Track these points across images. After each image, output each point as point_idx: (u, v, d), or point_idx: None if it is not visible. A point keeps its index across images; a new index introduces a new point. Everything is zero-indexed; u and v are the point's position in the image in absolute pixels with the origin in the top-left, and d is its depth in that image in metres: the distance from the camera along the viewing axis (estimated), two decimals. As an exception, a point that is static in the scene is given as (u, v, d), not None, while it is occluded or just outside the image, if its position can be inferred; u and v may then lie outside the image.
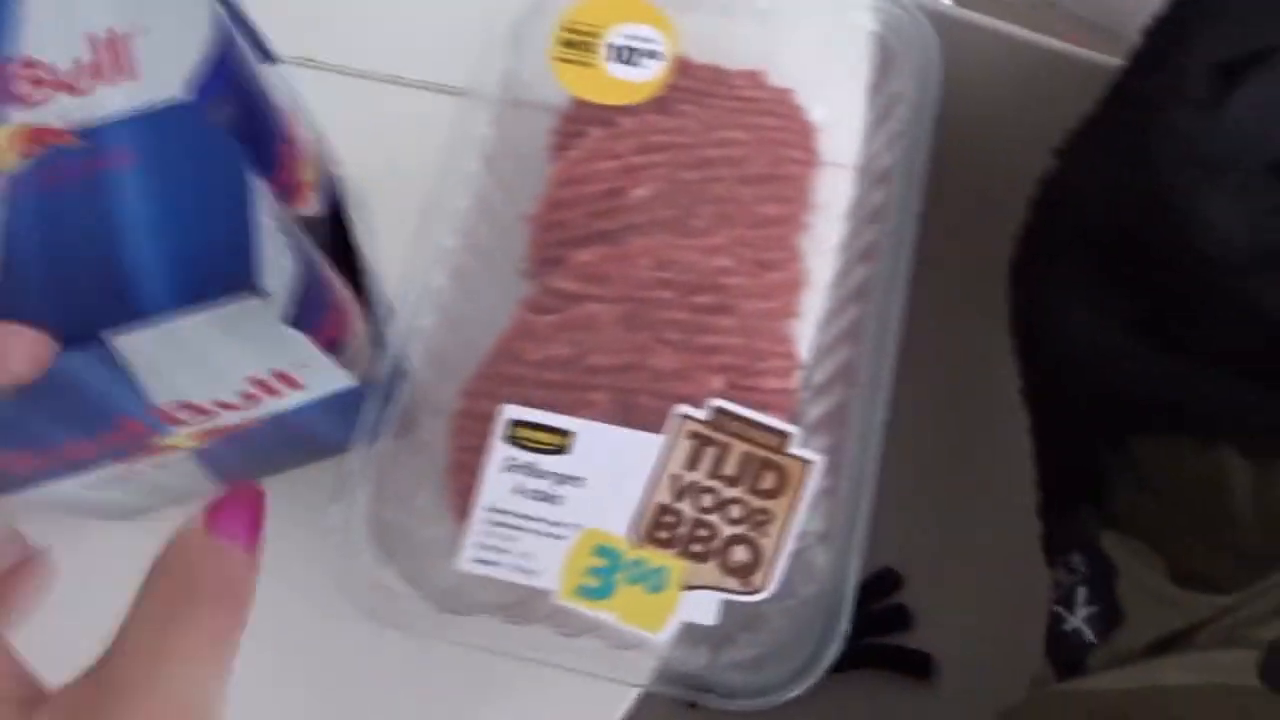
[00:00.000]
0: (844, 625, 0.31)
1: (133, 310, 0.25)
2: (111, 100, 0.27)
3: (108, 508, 0.37)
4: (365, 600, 0.32)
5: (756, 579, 0.31)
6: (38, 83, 0.27)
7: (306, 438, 0.36)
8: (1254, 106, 0.44)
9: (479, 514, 0.32)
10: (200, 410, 0.30)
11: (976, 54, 0.63)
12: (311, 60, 0.45)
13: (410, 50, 0.45)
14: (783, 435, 0.32)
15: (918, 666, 0.67)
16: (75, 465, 0.31)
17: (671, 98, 0.37)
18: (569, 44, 0.36)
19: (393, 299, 0.35)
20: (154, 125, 0.26)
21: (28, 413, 0.26)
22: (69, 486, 0.32)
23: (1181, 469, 0.44)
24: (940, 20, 0.61)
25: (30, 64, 0.27)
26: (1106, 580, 0.47)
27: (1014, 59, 0.61)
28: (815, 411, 0.35)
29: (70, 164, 0.26)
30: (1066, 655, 0.47)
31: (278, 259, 0.26)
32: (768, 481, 0.32)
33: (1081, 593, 0.48)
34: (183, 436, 0.32)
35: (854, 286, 0.36)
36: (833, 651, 0.31)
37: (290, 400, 0.32)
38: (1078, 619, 0.48)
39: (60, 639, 0.38)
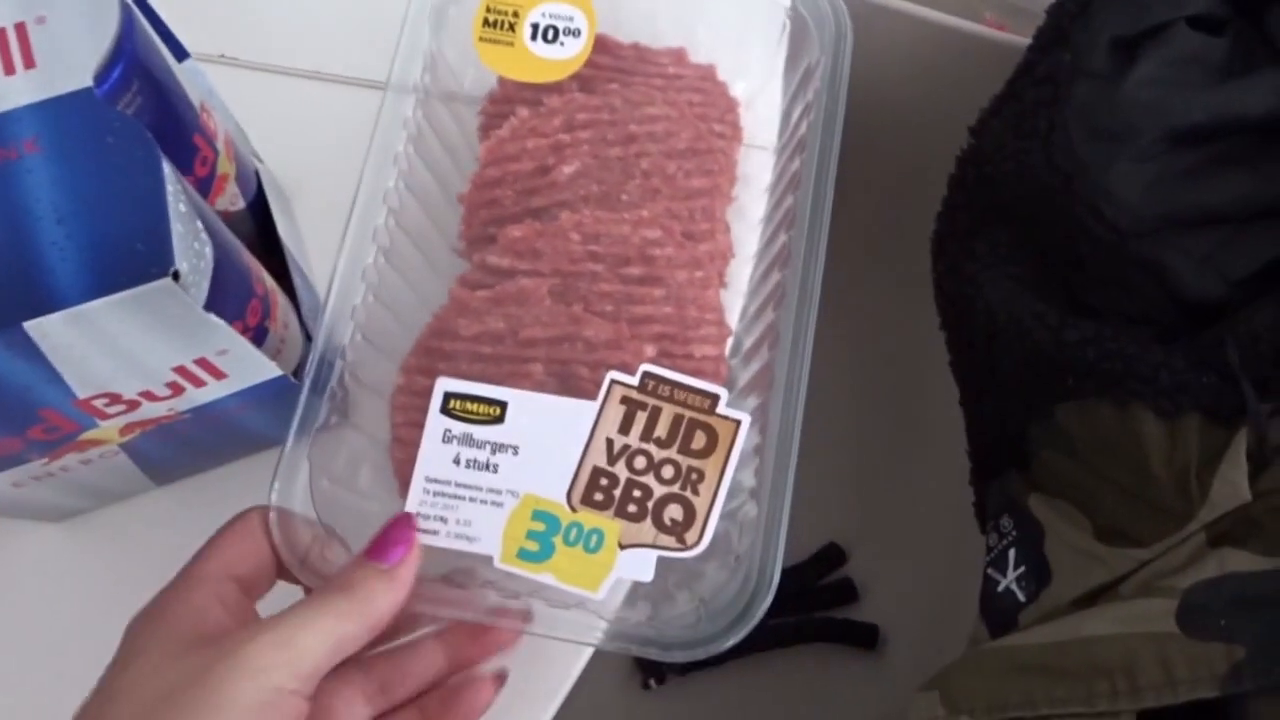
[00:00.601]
0: (776, 577, 0.32)
1: (46, 297, 0.25)
2: (13, 91, 0.27)
3: (39, 508, 0.36)
4: (311, 575, 0.32)
5: (690, 536, 0.32)
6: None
7: (238, 430, 0.36)
8: (1150, 79, 0.46)
9: (418, 484, 0.32)
10: (125, 402, 0.30)
11: (900, 39, 0.64)
12: (232, 58, 0.45)
13: (330, 45, 0.45)
14: (711, 397, 0.33)
15: (865, 638, 0.69)
16: (1, 461, 0.31)
17: (596, 76, 0.37)
18: (491, 24, 0.37)
19: (324, 286, 0.35)
20: (59, 114, 0.26)
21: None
22: (-5, 484, 0.32)
23: (1100, 432, 0.46)
24: (864, 7, 0.63)
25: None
26: (1034, 540, 0.48)
27: (935, 43, 0.63)
28: (743, 374, 0.36)
29: (-25, 156, 0.26)
30: (1000, 615, 0.49)
31: (192, 243, 0.27)
32: (698, 442, 0.33)
33: (1012, 554, 0.50)
34: (109, 430, 0.32)
35: (776, 253, 0.37)
36: (766, 603, 0.32)
37: (215, 390, 0.32)
38: (1009, 579, 0.49)
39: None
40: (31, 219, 0.26)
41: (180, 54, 0.33)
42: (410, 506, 0.32)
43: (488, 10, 0.37)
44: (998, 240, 0.52)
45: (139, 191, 0.26)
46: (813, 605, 0.71)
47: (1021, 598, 0.48)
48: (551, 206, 0.36)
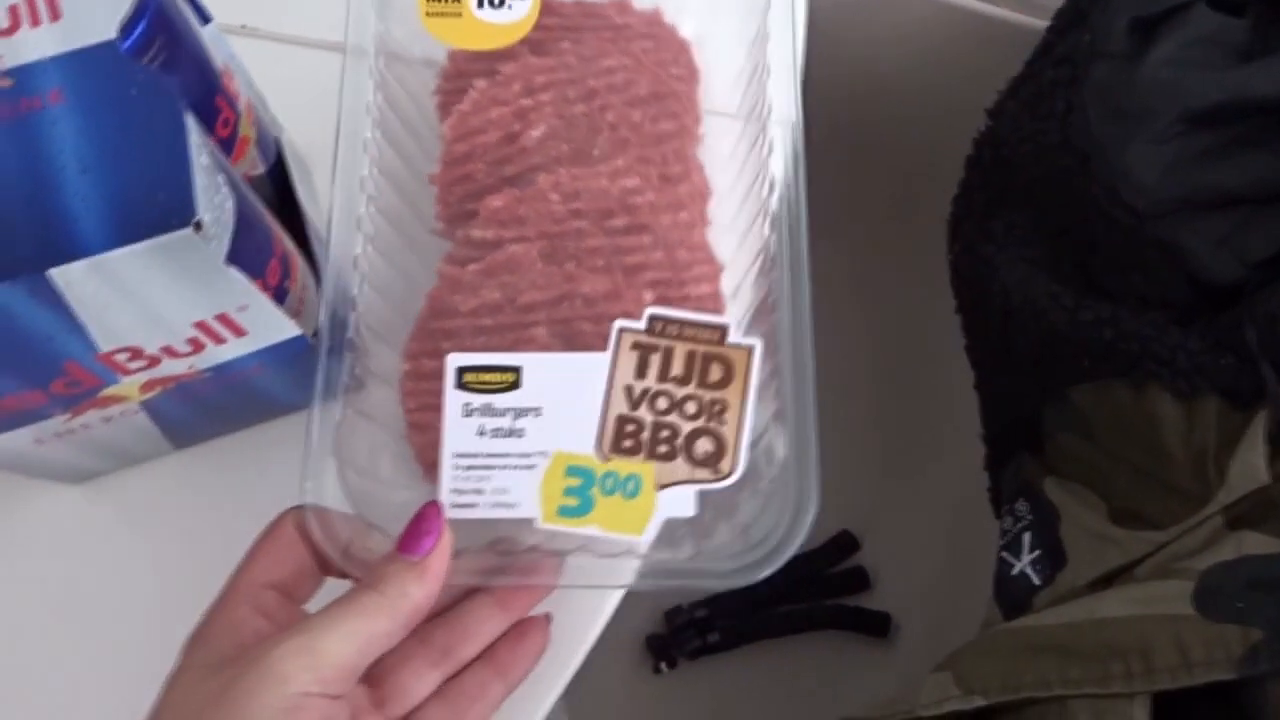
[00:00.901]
0: (815, 495, 0.32)
1: (70, 246, 0.25)
2: (39, 42, 0.27)
3: (59, 468, 0.37)
4: (357, 566, 0.32)
5: (724, 465, 0.32)
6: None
7: (256, 393, 0.37)
8: (1169, 60, 0.46)
9: (448, 462, 0.32)
10: (146, 357, 0.31)
11: (914, 21, 0.64)
12: (253, 29, 0.45)
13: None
14: (719, 328, 0.33)
15: (877, 626, 0.69)
16: (22, 416, 0.31)
17: (546, 39, 0.37)
18: None
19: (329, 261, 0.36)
20: (84, 65, 0.27)
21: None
22: (17, 440, 0.32)
23: (1116, 414, 0.45)
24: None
25: (-44, 12, 0.28)
26: (1049, 524, 0.48)
27: (951, 25, 0.63)
28: (746, 303, 0.36)
29: None
30: (1014, 598, 0.49)
31: (214, 196, 0.27)
32: (715, 374, 0.33)
33: (1026, 538, 0.49)
34: (130, 386, 0.32)
35: (755, 180, 0.37)
36: (809, 520, 0.32)
37: (235, 349, 0.32)
38: (1023, 563, 0.49)
39: (11, 601, 0.38)
40: (55, 169, 0.26)
41: (204, 18, 0.34)
42: (443, 484, 0.32)
43: None
44: (1014, 222, 0.51)
45: (162, 143, 0.26)
46: (825, 592, 0.71)
47: (1036, 581, 0.48)
48: (525, 172, 0.36)
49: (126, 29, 0.27)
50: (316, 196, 0.41)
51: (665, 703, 0.69)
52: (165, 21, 0.29)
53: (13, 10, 0.27)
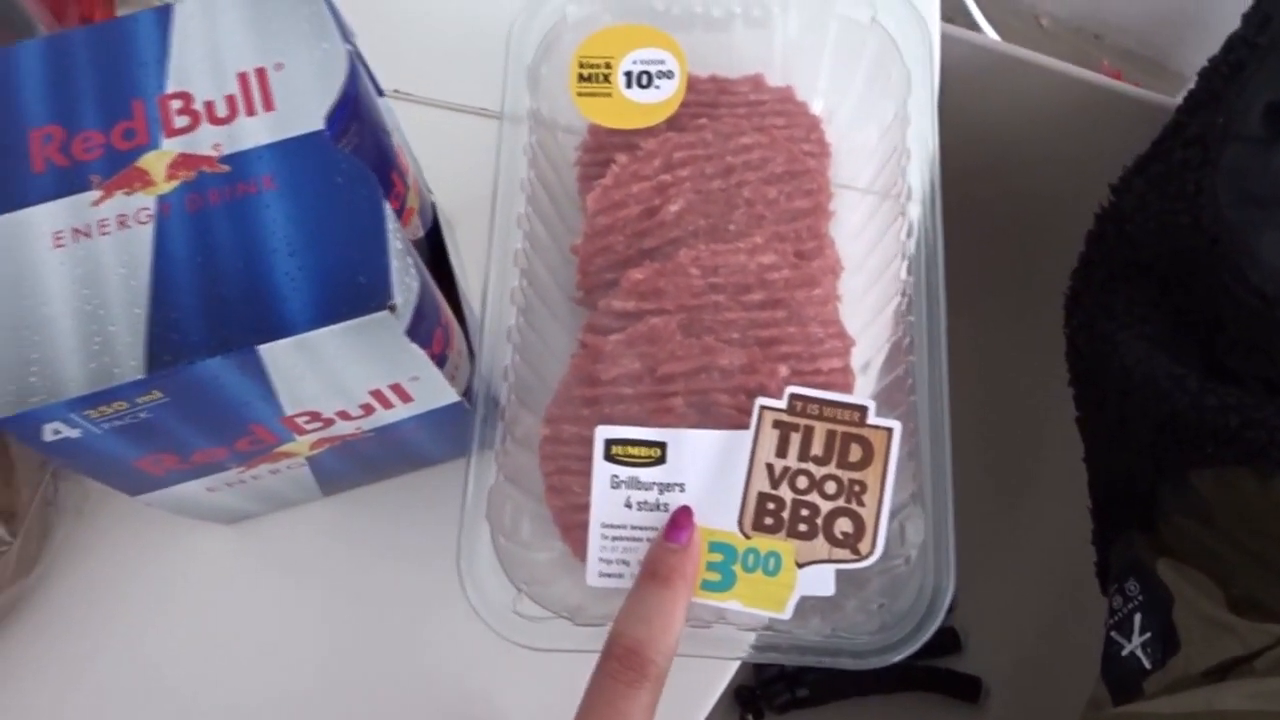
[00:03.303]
0: (953, 574, 0.33)
1: (278, 323, 0.27)
2: (254, 131, 0.29)
3: (219, 511, 0.39)
4: (509, 628, 0.33)
5: (864, 546, 0.33)
6: (187, 114, 0.30)
7: (406, 448, 0.38)
8: (1307, 146, 0.45)
9: (596, 532, 0.34)
10: (322, 420, 0.32)
11: (1029, 90, 0.64)
12: (407, 94, 0.47)
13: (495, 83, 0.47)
14: (860, 409, 0.34)
15: (967, 689, 0.68)
16: (204, 468, 0.33)
17: (683, 114, 0.39)
18: (586, 78, 0.38)
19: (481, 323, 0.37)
20: (294, 154, 0.29)
21: (176, 418, 0.29)
22: (193, 488, 0.34)
23: (1240, 502, 0.45)
24: (990, 57, 0.63)
25: (181, 96, 0.30)
26: (1162, 607, 0.47)
27: (1073, 98, 0.63)
28: (883, 381, 0.37)
29: (216, 188, 0.29)
30: (1123, 680, 0.48)
31: (405, 278, 0.28)
32: (854, 454, 0.34)
33: (1137, 619, 0.49)
34: (302, 444, 0.34)
35: (892, 261, 0.38)
36: (947, 599, 0.33)
37: (400, 412, 0.34)
38: (1134, 645, 0.48)
39: (168, 630, 0.40)
40: (267, 251, 0.28)
41: (379, 91, 0.35)
42: (591, 554, 0.34)
43: (580, 65, 0.38)
44: (1135, 298, 0.51)
45: (363, 229, 0.28)
46: (915, 653, 0.70)
47: (1147, 665, 0.47)
48: (663, 245, 0.38)
49: (331, 118, 0.29)
50: (460, 253, 0.43)
51: (751, 754, 0.69)
52: (360, 107, 0.30)
53: (230, 100, 0.29)
